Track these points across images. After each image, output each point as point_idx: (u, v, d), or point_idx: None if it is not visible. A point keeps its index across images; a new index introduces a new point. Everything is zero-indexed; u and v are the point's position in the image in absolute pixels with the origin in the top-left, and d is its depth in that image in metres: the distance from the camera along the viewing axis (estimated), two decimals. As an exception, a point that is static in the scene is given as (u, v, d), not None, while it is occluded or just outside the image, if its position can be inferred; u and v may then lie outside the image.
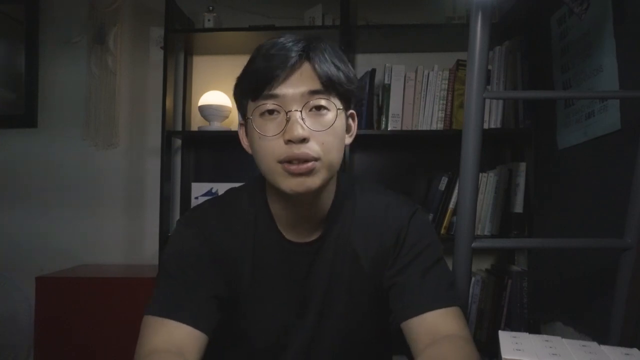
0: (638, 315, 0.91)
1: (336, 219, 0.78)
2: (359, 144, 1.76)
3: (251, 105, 0.70)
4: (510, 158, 1.80)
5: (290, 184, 0.67)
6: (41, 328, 1.61)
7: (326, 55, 0.68)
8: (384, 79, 1.66)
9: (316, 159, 0.66)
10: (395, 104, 1.65)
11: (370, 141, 1.80)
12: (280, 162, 0.66)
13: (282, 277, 0.78)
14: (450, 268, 0.84)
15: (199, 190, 1.76)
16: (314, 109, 0.67)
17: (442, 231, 1.63)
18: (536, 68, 1.55)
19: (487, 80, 1.48)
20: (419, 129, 1.65)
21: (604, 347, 0.57)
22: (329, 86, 0.68)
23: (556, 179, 1.40)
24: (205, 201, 0.83)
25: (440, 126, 1.64)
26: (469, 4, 0.96)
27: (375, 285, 0.78)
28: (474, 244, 0.91)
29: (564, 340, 0.58)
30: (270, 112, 0.67)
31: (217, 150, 1.93)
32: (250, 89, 0.69)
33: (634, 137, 0.92)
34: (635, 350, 0.56)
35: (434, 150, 1.85)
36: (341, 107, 0.70)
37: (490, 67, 1.58)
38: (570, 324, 1.30)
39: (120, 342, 1.42)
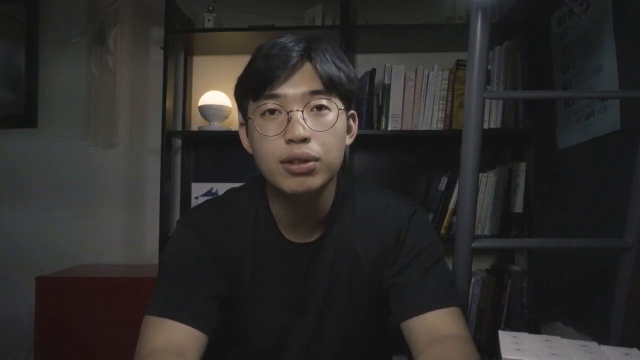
0: (638, 315, 0.91)
1: (336, 219, 0.78)
2: (359, 144, 1.76)
3: (252, 105, 0.70)
4: (510, 158, 1.80)
5: (291, 184, 0.67)
6: (41, 328, 1.61)
7: (327, 55, 0.68)
8: (384, 79, 1.66)
9: (317, 159, 0.66)
10: (395, 104, 1.65)
11: (370, 141, 1.80)
12: (281, 162, 0.66)
13: (282, 277, 0.78)
14: (450, 268, 0.84)
15: (199, 190, 1.76)
16: (315, 109, 0.67)
17: (442, 231, 1.63)
18: (536, 68, 1.55)
19: (487, 80, 1.48)
20: (419, 129, 1.65)
21: (604, 347, 0.57)
22: (330, 86, 0.68)
23: (556, 179, 1.40)
24: (206, 201, 0.83)
25: (440, 126, 1.64)
26: (469, 4, 0.96)
27: (375, 285, 0.78)
28: (474, 244, 0.91)
29: (564, 340, 0.58)
30: (272, 112, 0.67)
31: (217, 150, 1.93)
32: (251, 89, 0.69)
33: (634, 137, 0.92)
34: (635, 350, 0.56)
35: (434, 150, 1.85)
36: (342, 108, 0.70)
37: (490, 67, 1.58)
38: (570, 324, 1.30)
39: (120, 342, 1.42)
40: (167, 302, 0.70)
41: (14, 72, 1.98)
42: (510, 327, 1.58)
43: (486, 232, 1.63)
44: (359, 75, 1.72)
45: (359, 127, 0.82)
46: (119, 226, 1.96)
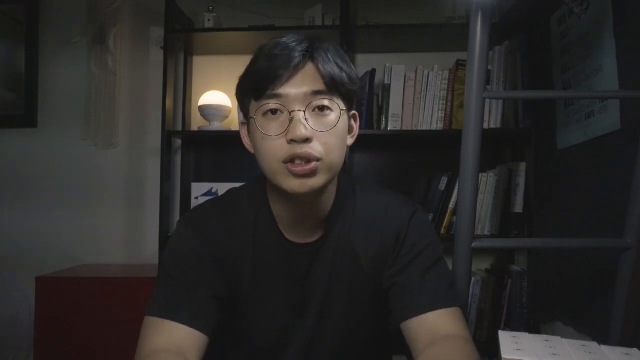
0: (638, 315, 0.91)
1: (337, 219, 0.78)
2: (359, 144, 1.74)
3: (254, 105, 0.70)
4: (510, 158, 1.80)
5: (293, 185, 0.67)
6: (41, 328, 1.61)
7: (329, 56, 0.68)
8: (384, 79, 1.66)
9: (318, 159, 0.66)
10: (395, 104, 1.65)
11: (370, 141, 1.80)
12: (283, 162, 0.66)
13: (282, 277, 0.78)
14: (450, 268, 0.84)
15: (199, 190, 1.76)
16: (317, 109, 0.67)
17: (442, 231, 1.63)
18: (536, 68, 1.55)
19: (487, 80, 1.48)
20: (419, 129, 1.65)
21: (604, 347, 0.57)
22: (332, 86, 0.68)
23: (556, 179, 1.40)
24: (206, 201, 0.83)
25: (440, 126, 1.64)
26: (469, 4, 0.96)
27: (375, 285, 0.78)
28: (474, 244, 0.91)
29: (564, 340, 0.58)
30: (274, 111, 0.67)
31: (217, 150, 1.93)
32: (253, 89, 0.69)
33: (634, 137, 0.92)
34: (635, 350, 0.56)
35: (434, 150, 1.85)
36: (344, 108, 0.70)
37: (490, 67, 1.58)
38: (570, 324, 1.30)
39: (120, 342, 1.42)
40: (167, 302, 0.70)
41: (14, 72, 1.98)
42: (510, 327, 1.58)
43: (486, 232, 1.63)
44: (359, 75, 1.72)
45: (359, 127, 0.82)
46: (119, 226, 1.96)
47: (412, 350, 0.70)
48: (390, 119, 1.65)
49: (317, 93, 0.67)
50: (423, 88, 1.65)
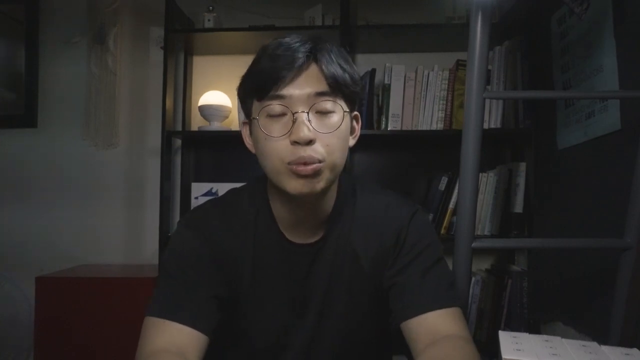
0: (638, 315, 0.91)
1: (337, 219, 0.78)
2: (359, 144, 1.73)
3: (256, 105, 0.70)
4: (510, 158, 1.80)
5: (296, 185, 0.67)
6: (41, 328, 1.61)
7: (332, 56, 0.68)
8: (384, 79, 1.66)
9: (321, 161, 0.66)
10: (395, 104, 1.65)
11: (370, 141, 1.80)
12: (288, 164, 0.66)
13: (282, 277, 0.78)
14: (450, 268, 0.84)
15: (199, 190, 1.76)
16: (320, 111, 0.67)
17: (442, 231, 1.63)
18: (536, 68, 1.55)
19: (487, 80, 1.48)
20: (419, 129, 1.65)
21: (604, 347, 0.57)
22: (336, 88, 0.68)
23: (556, 179, 1.40)
24: (207, 202, 0.83)
25: (440, 126, 1.64)
26: (469, 4, 0.96)
27: (375, 285, 0.78)
28: (474, 244, 0.91)
29: (564, 340, 0.58)
30: (277, 113, 0.67)
31: (217, 150, 1.93)
32: (256, 89, 0.69)
33: (634, 137, 0.92)
34: (635, 350, 0.56)
35: (434, 150, 1.85)
36: (347, 110, 0.70)
37: (490, 67, 1.58)
38: (570, 324, 1.30)
39: (120, 342, 1.42)
40: (168, 302, 0.70)
41: (14, 72, 1.98)
42: (510, 327, 1.58)
43: (486, 232, 1.63)
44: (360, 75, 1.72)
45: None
46: (119, 226, 1.96)
47: (412, 350, 0.70)
48: (390, 119, 1.65)
49: (320, 94, 0.67)
50: (423, 88, 1.65)
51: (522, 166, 1.63)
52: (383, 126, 1.66)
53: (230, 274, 0.77)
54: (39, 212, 1.97)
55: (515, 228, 1.62)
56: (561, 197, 1.37)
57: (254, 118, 0.70)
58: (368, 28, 1.74)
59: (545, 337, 0.59)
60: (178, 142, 1.90)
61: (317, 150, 0.66)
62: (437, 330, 0.68)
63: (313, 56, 0.67)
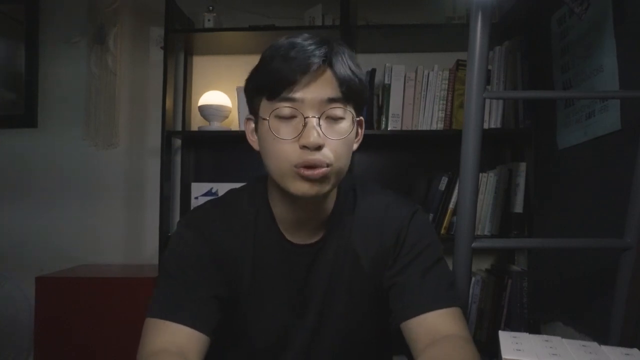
0: (638, 315, 0.91)
1: (338, 220, 0.79)
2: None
3: (266, 104, 0.69)
4: (510, 158, 1.80)
5: (302, 188, 0.67)
6: (41, 328, 1.61)
7: (345, 61, 0.68)
8: (384, 79, 1.66)
9: (329, 165, 0.66)
10: (395, 104, 1.65)
11: (370, 141, 1.78)
12: (295, 166, 0.66)
13: (282, 277, 0.78)
14: (450, 268, 0.84)
15: (199, 190, 1.76)
16: (330, 116, 0.67)
17: (442, 231, 1.63)
18: (536, 68, 1.55)
19: (487, 80, 1.48)
20: (419, 129, 1.65)
21: (604, 347, 0.57)
22: (348, 95, 0.68)
23: (556, 179, 1.40)
24: (207, 202, 0.83)
25: (440, 126, 1.64)
26: (469, 4, 0.96)
27: (375, 285, 0.78)
28: (474, 244, 0.91)
29: (564, 340, 0.58)
30: (287, 115, 0.67)
31: (217, 150, 1.92)
32: (267, 89, 0.68)
33: (634, 137, 0.92)
34: (635, 350, 0.56)
35: (434, 150, 1.85)
36: (356, 117, 0.71)
37: (490, 67, 1.58)
38: (570, 324, 1.30)
39: (120, 342, 1.42)
40: (168, 303, 0.70)
41: (14, 72, 1.98)
42: (510, 327, 1.58)
43: (486, 232, 1.63)
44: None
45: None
46: (119, 226, 1.96)
47: (412, 350, 0.70)
48: (390, 119, 1.65)
49: (332, 100, 0.67)
50: (423, 88, 1.65)
51: (522, 166, 1.63)
52: (383, 126, 1.66)
53: (230, 274, 0.77)
54: (39, 212, 1.97)
55: (515, 228, 1.62)
56: (561, 197, 1.37)
57: (263, 118, 0.69)
58: (368, 28, 1.74)
59: (545, 337, 0.59)
60: (178, 142, 1.90)
61: (326, 154, 0.66)
62: (437, 330, 0.68)
63: (328, 61, 0.67)
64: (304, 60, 0.65)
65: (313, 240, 0.78)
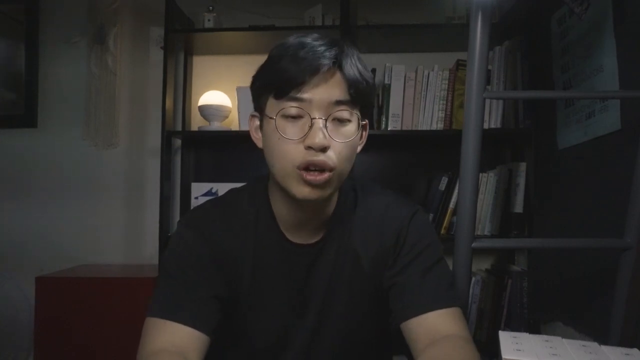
0: (638, 315, 0.91)
1: (338, 220, 0.79)
2: (359, 144, 1.76)
3: (273, 103, 0.69)
4: (510, 158, 1.80)
5: (304, 191, 0.67)
6: (41, 328, 1.61)
7: (354, 63, 0.68)
8: (384, 79, 1.66)
9: (332, 169, 0.66)
10: (395, 104, 1.65)
11: (370, 141, 1.75)
12: (298, 167, 0.66)
13: (282, 277, 0.78)
14: (450, 268, 0.84)
15: (199, 190, 1.76)
16: (337, 118, 0.67)
17: (442, 231, 1.63)
18: (536, 68, 1.55)
19: (487, 80, 1.48)
20: (419, 129, 1.65)
21: (604, 347, 0.57)
22: (356, 98, 0.68)
23: (556, 179, 1.40)
24: (207, 201, 0.83)
25: (440, 126, 1.64)
26: (469, 4, 0.96)
27: (376, 285, 0.78)
28: (474, 244, 0.91)
29: (564, 340, 0.58)
30: (294, 115, 0.67)
31: (217, 150, 1.92)
32: (275, 88, 0.68)
33: (634, 137, 0.92)
34: (635, 350, 0.56)
35: (434, 150, 1.85)
36: (362, 120, 0.71)
37: (490, 67, 1.58)
38: (570, 324, 1.30)
39: (120, 342, 1.42)
40: (168, 303, 0.70)
41: (14, 72, 1.98)
42: (510, 327, 1.58)
43: (486, 232, 1.63)
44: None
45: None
46: (119, 226, 1.96)
47: (412, 350, 0.70)
48: (390, 119, 1.65)
49: (339, 103, 0.67)
50: (423, 88, 1.65)
51: (522, 166, 1.63)
52: (383, 126, 1.66)
53: (231, 274, 0.77)
54: (39, 212, 1.97)
55: (515, 228, 1.62)
56: (561, 197, 1.37)
57: (270, 117, 0.69)
58: (368, 28, 1.74)
59: (545, 337, 0.59)
60: (178, 142, 1.90)
61: (330, 156, 0.66)
62: (437, 330, 0.68)
63: (338, 63, 0.66)
64: (314, 61, 0.65)
65: (313, 240, 0.78)
